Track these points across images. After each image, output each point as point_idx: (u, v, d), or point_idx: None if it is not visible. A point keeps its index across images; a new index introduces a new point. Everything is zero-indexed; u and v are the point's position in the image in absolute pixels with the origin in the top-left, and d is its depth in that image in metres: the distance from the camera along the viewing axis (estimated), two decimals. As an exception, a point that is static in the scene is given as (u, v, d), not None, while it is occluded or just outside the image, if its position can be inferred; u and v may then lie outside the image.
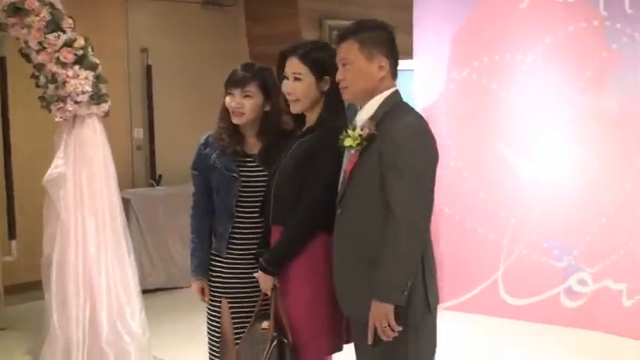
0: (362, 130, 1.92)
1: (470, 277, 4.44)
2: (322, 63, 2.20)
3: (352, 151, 1.93)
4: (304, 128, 2.23)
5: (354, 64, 1.97)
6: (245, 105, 2.38)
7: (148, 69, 6.04)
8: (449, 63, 4.51)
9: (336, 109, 2.19)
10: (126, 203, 3.47)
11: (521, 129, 4.31)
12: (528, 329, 4.13)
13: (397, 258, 1.80)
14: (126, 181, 5.57)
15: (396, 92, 1.97)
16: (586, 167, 4.10)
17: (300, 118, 2.28)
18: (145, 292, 3.57)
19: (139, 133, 6.08)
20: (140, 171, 6.09)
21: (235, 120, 2.39)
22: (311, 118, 2.23)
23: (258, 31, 6.66)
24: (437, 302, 1.92)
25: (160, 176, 6.03)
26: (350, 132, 1.92)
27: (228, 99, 2.40)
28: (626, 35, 3.96)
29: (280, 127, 2.39)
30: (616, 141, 4.03)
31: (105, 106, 3.43)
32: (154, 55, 6.07)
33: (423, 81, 4.58)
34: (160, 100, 6.12)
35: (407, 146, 1.84)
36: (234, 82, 2.39)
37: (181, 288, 5.46)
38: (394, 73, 1.96)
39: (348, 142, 1.93)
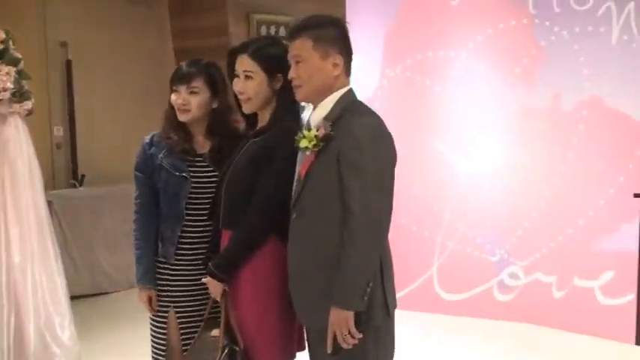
0: (317, 130, 1.86)
1: (405, 275, 4.46)
2: (274, 60, 2.12)
3: (308, 153, 1.87)
4: (257, 128, 2.15)
5: (308, 62, 1.92)
6: (191, 102, 2.28)
7: (68, 64, 5.78)
8: (382, 60, 4.52)
9: (289, 108, 2.13)
10: (47, 206, 3.28)
11: (455, 125, 4.37)
12: (463, 324, 4.20)
13: (357, 259, 1.76)
14: (46, 182, 5.31)
15: (350, 91, 1.93)
16: (517, 163, 4.20)
17: (251, 117, 2.20)
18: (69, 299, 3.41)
19: (59, 130, 5.82)
20: (61, 171, 5.82)
21: (181, 117, 2.28)
22: (263, 118, 2.15)
23: (182, 25, 6.49)
24: (395, 306, 1.90)
25: (83, 176, 5.79)
26: (305, 133, 1.86)
27: (173, 96, 2.29)
28: (554, 33, 4.06)
29: (230, 125, 2.31)
30: (546, 137, 4.14)
31: (28, 104, 3.24)
32: (74, 49, 5.82)
33: (355, 78, 4.55)
34: (82, 96, 5.87)
35: (367, 145, 1.79)
36: (179, 78, 2.28)
37: (107, 294, 5.27)
38: (348, 71, 1.92)
39: (303, 144, 1.87)
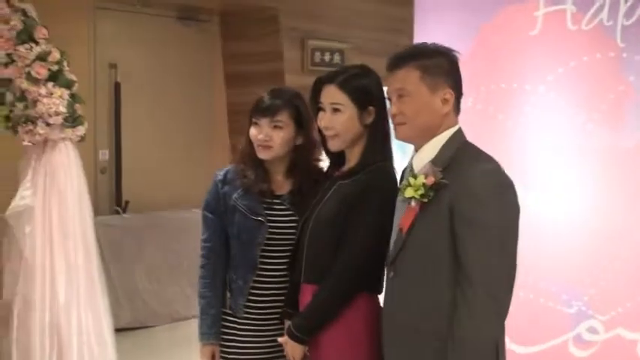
0: (425, 177, 1.59)
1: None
2: (366, 91, 1.89)
3: (412, 204, 1.61)
4: (345, 168, 1.90)
5: (415, 96, 1.67)
6: (274, 137, 2.05)
7: (117, 86, 5.65)
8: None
9: (381, 147, 1.88)
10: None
11: (530, 163, 4.07)
12: (536, 381, 3.86)
13: (472, 337, 1.49)
14: (89, 208, 5.16)
15: (460, 131, 1.68)
16: (600, 207, 3.88)
17: (335, 156, 1.96)
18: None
19: (105, 154, 5.67)
20: (104, 197, 5.67)
21: (262, 155, 2.05)
22: (352, 157, 1.91)
23: (234, 49, 6.35)
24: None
25: (127, 202, 5.62)
26: (411, 180, 1.60)
27: (253, 130, 2.06)
28: (645, 68, 3.75)
29: (313, 164, 2.06)
30: (633, 180, 3.82)
31: (81, 130, 3.07)
32: (123, 70, 5.69)
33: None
34: (129, 119, 5.74)
35: (489, 198, 1.54)
36: (262, 110, 2.06)
37: (147, 327, 5.06)
38: (457, 108, 1.66)
39: (408, 193, 1.62)
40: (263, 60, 6.05)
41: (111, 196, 5.68)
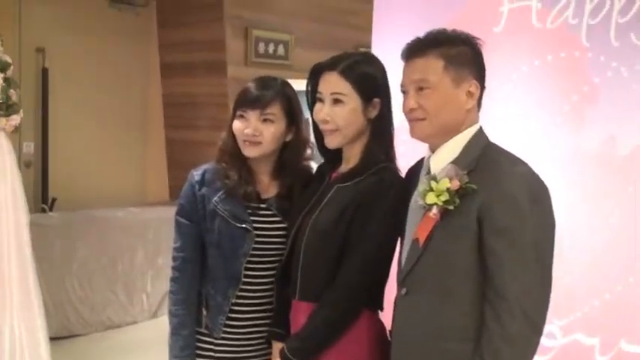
0: (450, 181, 1.43)
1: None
2: (372, 81, 1.71)
3: (434, 211, 1.44)
4: (344, 169, 1.71)
5: (438, 89, 1.51)
6: (264, 132, 1.83)
7: (44, 72, 5.27)
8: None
9: (385, 145, 1.70)
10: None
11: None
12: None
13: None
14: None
15: (482, 130, 1.52)
16: (560, 208, 3.83)
17: (330, 154, 1.76)
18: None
19: (29, 147, 5.29)
20: (29, 193, 5.26)
21: (249, 152, 1.85)
22: (351, 156, 1.73)
23: (171, 36, 6.06)
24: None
25: (54, 200, 5.25)
26: (433, 184, 1.43)
27: (239, 123, 1.85)
28: (610, 69, 3.73)
29: (302, 164, 1.86)
30: (596, 183, 3.80)
31: (16, 119, 2.75)
32: (51, 55, 5.31)
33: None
34: (57, 109, 5.38)
35: (525, 206, 1.39)
36: (250, 102, 1.84)
37: (78, 336, 4.74)
38: (480, 103, 1.49)
39: (430, 200, 1.45)
40: (203, 49, 5.79)
41: (36, 193, 5.30)
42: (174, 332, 1.95)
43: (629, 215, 3.75)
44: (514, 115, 3.97)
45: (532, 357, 1.42)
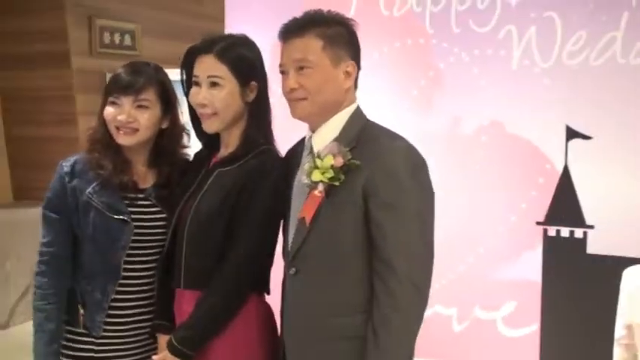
0: (334, 158, 1.47)
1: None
2: (248, 63, 1.72)
3: (318, 189, 1.48)
4: (223, 153, 1.70)
5: (318, 68, 1.55)
6: (139, 118, 1.77)
7: None
8: (268, 77, 4.17)
9: (264, 128, 1.71)
10: None
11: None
12: None
13: (401, 328, 1.40)
14: None
15: (360, 108, 1.58)
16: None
17: (207, 139, 1.75)
18: None
19: None
20: None
21: (123, 140, 1.79)
22: (230, 140, 1.73)
23: (6, 25, 5.66)
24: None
25: None
26: (317, 162, 1.47)
27: (111, 110, 1.78)
28: (453, 54, 3.98)
29: (179, 151, 1.83)
30: (444, 162, 4.04)
31: None
32: None
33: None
34: None
35: (406, 178, 1.46)
36: (122, 88, 1.77)
37: None
38: (357, 84, 1.56)
39: (316, 177, 1.48)
40: (44, 39, 5.46)
41: None
42: (39, 329, 1.84)
43: (476, 190, 4.02)
44: (365, 101, 4.10)
45: (420, 323, 1.50)
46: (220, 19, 4.17)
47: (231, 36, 1.91)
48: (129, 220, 1.82)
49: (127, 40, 5.84)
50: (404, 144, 1.59)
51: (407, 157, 1.56)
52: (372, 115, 4.06)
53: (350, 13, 4.06)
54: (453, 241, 4.00)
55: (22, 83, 5.67)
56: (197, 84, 1.79)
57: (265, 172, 1.68)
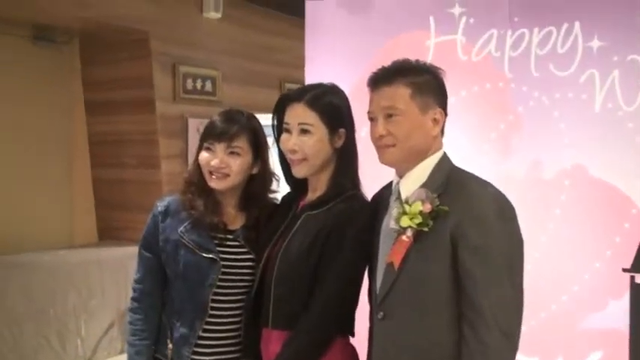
0: (422, 204, 1.49)
1: None
2: (337, 111, 1.77)
3: (408, 234, 1.49)
4: (312, 197, 1.75)
5: (407, 116, 1.58)
6: (231, 164, 1.84)
7: (-36, 112, 5.08)
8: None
9: (351, 173, 1.75)
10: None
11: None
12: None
13: None
14: None
15: (447, 155, 1.60)
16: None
17: (296, 184, 1.80)
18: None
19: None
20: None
21: (216, 184, 1.86)
22: (318, 185, 1.77)
23: (96, 74, 5.97)
24: None
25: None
26: (406, 208, 1.49)
27: (206, 155, 1.86)
28: (532, 98, 3.94)
29: (268, 196, 1.88)
30: (524, 207, 3.93)
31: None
32: (-29, 95, 5.13)
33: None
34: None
35: (496, 225, 1.46)
36: (217, 135, 1.86)
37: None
38: (444, 131, 1.58)
39: (405, 223, 1.50)
40: (130, 86, 5.71)
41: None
42: None
43: (559, 236, 3.94)
44: (444, 145, 4.11)
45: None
46: (300, 66, 4.28)
47: (321, 85, 1.97)
48: (217, 258, 1.88)
49: (208, 86, 6.05)
50: (493, 190, 1.60)
51: (496, 203, 1.56)
52: (450, 158, 4.07)
53: (428, 59, 4.10)
54: (535, 288, 3.90)
55: (107, 128, 5.93)
56: (287, 130, 1.85)
57: (352, 217, 1.71)
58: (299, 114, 1.83)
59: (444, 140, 4.09)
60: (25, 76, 5.50)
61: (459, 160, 4.04)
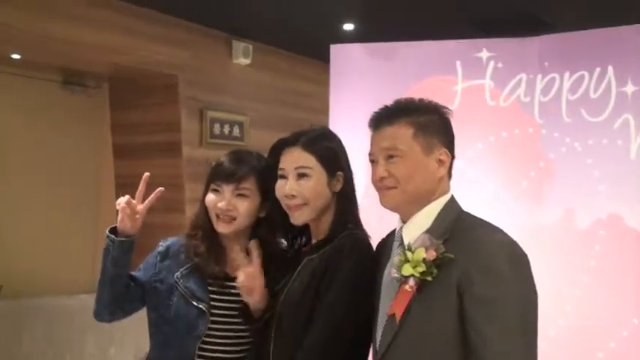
0: (426, 252, 1.36)
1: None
2: (334, 154, 1.67)
3: (409, 284, 1.36)
4: (313, 242, 1.64)
5: (409, 157, 1.48)
6: (238, 207, 1.76)
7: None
8: (367, 171, 4.15)
9: (352, 217, 1.64)
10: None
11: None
12: None
13: None
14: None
15: (454, 199, 1.47)
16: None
17: (296, 232, 1.70)
18: None
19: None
20: (-28, 280, 5.01)
21: (222, 227, 1.78)
22: (319, 231, 1.67)
23: (124, 117, 5.99)
24: None
25: (0, 287, 5.00)
26: (408, 255, 1.36)
27: (213, 197, 1.79)
28: (564, 144, 3.80)
29: (276, 241, 1.79)
30: (557, 258, 3.80)
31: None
32: (0, 138, 5.18)
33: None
34: (3, 191, 5.17)
35: (506, 274, 1.32)
36: (225, 177, 1.77)
37: None
38: (450, 172, 1.45)
39: (406, 271, 1.37)
40: (158, 130, 5.72)
41: (-21, 280, 5.04)
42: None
43: (594, 290, 3.74)
44: (471, 191, 3.97)
45: None
46: (325, 111, 4.22)
47: (314, 129, 1.90)
48: (206, 310, 1.80)
49: (236, 131, 6.03)
50: (504, 237, 1.47)
51: (506, 250, 1.43)
52: (478, 206, 3.92)
53: (454, 104, 3.99)
54: (567, 343, 3.70)
55: (134, 171, 5.89)
56: (283, 177, 1.77)
57: (344, 253, 1.61)
58: (296, 158, 1.76)
59: (471, 185, 3.97)
60: (54, 120, 5.56)
61: (486, 208, 3.89)
